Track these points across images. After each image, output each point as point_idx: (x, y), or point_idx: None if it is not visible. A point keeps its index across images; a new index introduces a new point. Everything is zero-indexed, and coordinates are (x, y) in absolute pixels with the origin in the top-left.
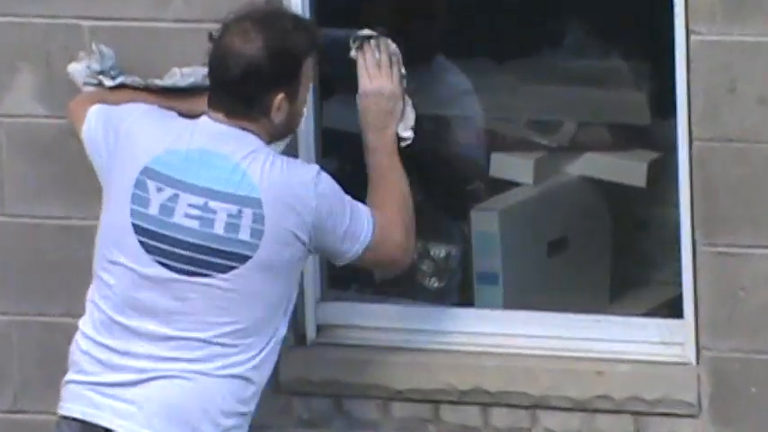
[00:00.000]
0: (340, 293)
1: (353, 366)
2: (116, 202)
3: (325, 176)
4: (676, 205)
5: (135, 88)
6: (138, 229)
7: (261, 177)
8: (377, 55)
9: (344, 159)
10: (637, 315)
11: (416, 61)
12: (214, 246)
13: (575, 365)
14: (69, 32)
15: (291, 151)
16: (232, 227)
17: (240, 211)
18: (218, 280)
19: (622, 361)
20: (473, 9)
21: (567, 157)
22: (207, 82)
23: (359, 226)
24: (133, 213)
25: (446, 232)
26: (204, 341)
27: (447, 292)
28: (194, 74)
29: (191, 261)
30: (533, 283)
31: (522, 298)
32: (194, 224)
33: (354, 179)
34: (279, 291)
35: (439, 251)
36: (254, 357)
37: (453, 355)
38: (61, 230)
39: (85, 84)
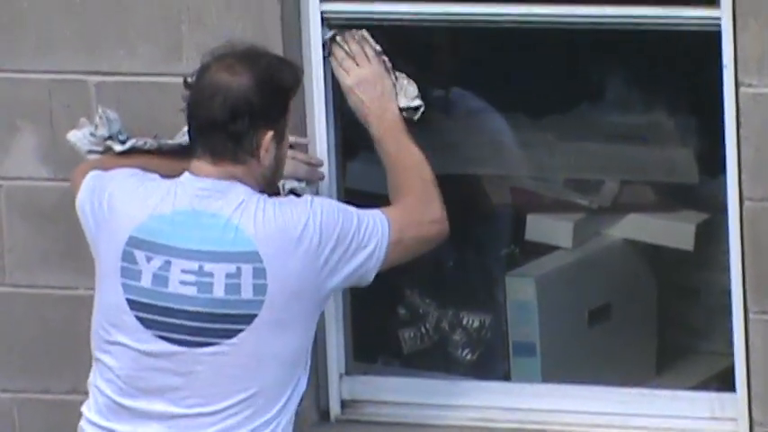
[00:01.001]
0: (366, 366)
1: None
2: (107, 278)
3: (319, 203)
4: (726, 270)
5: (147, 151)
6: (134, 305)
7: (255, 229)
8: (346, 47)
9: None
10: (685, 388)
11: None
12: (217, 311)
13: None
14: (73, 89)
15: None
16: (233, 287)
17: (239, 269)
18: (225, 347)
19: None
20: (505, 61)
21: (608, 218)
22: None
23: (372, 233)
24: (126, 288)
25: (479, 300)
26: (216, 413)
27: (481, 365)
28: None
29: (193, 331)
30: (573, 355)
31: (561, 370)
32: (192, 291)
33: None
34: (294, 346)
35: (472, 320)
36: (271, 423)
37: None
38: (66, 301)
39: (90, 152)
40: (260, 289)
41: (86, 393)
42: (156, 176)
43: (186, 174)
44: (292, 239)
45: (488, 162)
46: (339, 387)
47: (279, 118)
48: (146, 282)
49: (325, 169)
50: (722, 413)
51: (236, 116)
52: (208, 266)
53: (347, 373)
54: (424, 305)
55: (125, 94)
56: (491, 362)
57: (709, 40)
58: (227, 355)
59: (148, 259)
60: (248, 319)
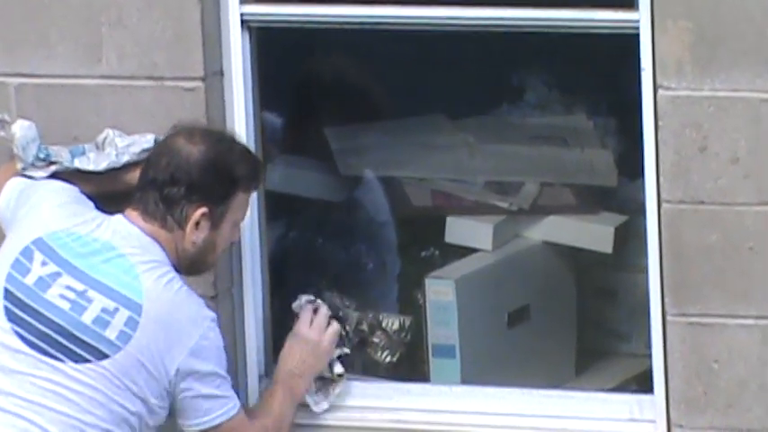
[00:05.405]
0: None
1: None
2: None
3: (216, 330)
4: (645, 272)
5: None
6: (8, 294)
7: (151, 287)
8: (324, 310)
9: (290, 224)
10: (604, 390)
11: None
12: (76, 333)
13: None
14: None
15: None
16: (102, 321)
17: (116, 310)
18: (67, 367)
19: None
20: (425, 62)
21: (528, 221)
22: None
23: (220, 400)
24: (9, 278)
25: (399, 302)
26: (34, 424)
27: (400, 367)
28: (128, 149)
29: (47, 339)
30: (493, 356)
31: (480, 372)
32: (65, 305)
33: (300, 244)
34: (128, 407)
35: (391, 322)
36: None
37: None
38: None
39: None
40: (124, 337)
41: None
42: (92, 205)
43: (119, 215)
44: (175, 321)
45: (409, 165)
46: (259, 389)
47: (218, 201)
48: (30, 281)
49: None
50: (641, 415)
51: (174, 182)
52: (91, 293)
53: (267, 374)
54: (343, 307)
55: (45, 96)
56: (411, 364)
57: (627, 42)
58: (66, 376)
59: (43, 264)
60: (100, 355)
